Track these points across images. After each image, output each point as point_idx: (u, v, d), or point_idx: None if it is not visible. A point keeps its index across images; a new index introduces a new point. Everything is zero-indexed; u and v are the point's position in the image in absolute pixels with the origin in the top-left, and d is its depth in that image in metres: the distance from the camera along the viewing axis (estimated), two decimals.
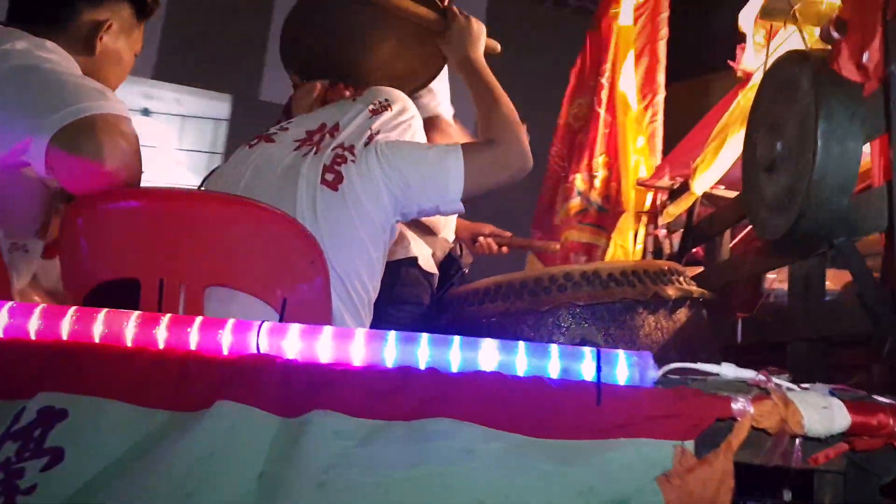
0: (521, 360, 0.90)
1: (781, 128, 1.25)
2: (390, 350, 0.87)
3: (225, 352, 0.90)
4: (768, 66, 1.41)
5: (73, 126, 0.96)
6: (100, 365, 0.90)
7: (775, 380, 0.92)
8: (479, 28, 1.54)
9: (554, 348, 0.91)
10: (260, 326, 0.89)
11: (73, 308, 0.88)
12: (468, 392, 0.88)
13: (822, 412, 0.88)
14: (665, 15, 2.89)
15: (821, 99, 1.14)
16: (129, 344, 0.90)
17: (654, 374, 0.91)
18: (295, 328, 0.89)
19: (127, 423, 0.86)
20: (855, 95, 1.15)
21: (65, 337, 0.87)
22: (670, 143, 2.90)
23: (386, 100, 1.44)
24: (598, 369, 0.90)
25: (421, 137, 1.47)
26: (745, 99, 1.83)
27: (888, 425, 0.89)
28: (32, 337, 0.88)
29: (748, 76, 1.93)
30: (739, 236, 2.27)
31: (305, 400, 0.87)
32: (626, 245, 2.60)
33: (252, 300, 1.07)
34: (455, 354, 0.89)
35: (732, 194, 2.15)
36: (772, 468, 0.92)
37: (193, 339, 0.89)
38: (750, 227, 2.08)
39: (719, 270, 1.89)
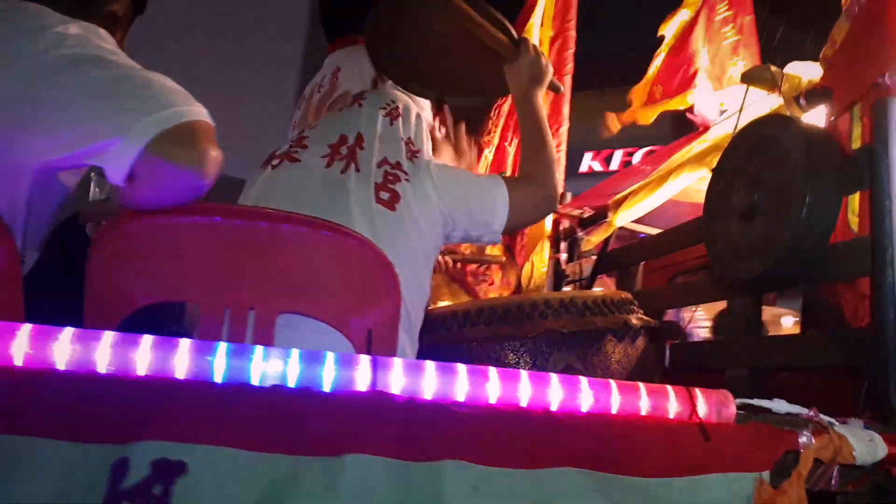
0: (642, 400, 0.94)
1: (762, 181, 1.42)
2: (525, 389, 0.88)
3: (329, 388, 0.86)
4: (741, 125, 1.59)
5: (173, 132, 0.85)
6: (212, 407, 0.83)
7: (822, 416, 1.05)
8: (547, 67, 1.57)
9: (642, 387, 0.97)
10: (375, 362, 0.86)
11: (187, 341, 0.80)
12: (586, 441, 0.91)
13: (868, 444, 1.02)
14: (571, 51, 3.07)
15: (812, 161, 1.31)
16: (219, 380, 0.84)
17: (732, 410, 1.00)
18: (400, 363, 0.87)
19: (248, 472, 0.80)
20: (837, 158, 1.33)
21: (180, 375, 0.79)
22: None
23: (392, 101, 1.44)
24: (695, 408, 0.97)
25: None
26: (700, 148, 2.02)
27: None
28: (142, 372, 0.78)
29: (705, 127, 2.13)
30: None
31: (435, 445, 0.85)
32: (540, 267, 2.73)
33: (324, 327, 1.01)
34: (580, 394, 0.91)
35: (646, 228, 2.36)
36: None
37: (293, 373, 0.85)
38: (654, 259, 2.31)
39: (654, 299, 2.06)
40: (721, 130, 2.01)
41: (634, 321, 1.64)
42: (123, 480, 0.76)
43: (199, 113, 0.88)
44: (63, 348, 0.80)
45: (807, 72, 1.54)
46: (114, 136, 0.84)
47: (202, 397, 0.81)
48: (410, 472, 0.83)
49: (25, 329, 0.79)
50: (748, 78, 1.61)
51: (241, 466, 0.79)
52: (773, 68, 1.56)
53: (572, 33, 3.10)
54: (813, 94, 1.44)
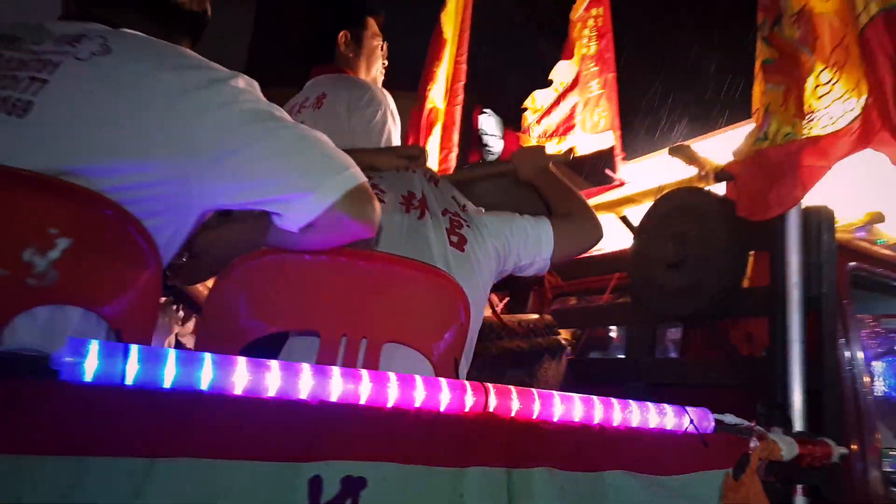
0: (653, 417, 1.24)
1: (688, 238, 1.80)
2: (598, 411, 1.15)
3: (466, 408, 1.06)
4: (663, 192, 1.98)
5: (353, 192, 1.00)
6: (371, 426, 1.00)
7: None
8: (538, 150, 1.99)
9: (667, 408, 1.27)
10: (490, 389, 1.08)
11: (337, 369, 0.96)
12: (629, 446, 1.20)
13: (789, 446, 1.41)
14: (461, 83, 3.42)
15: (730, 225, 1.71)
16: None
17: (712, 423, 1.34)
18: (513, 389, 1.09)
19: (419, 484, 0.99)
20: (744, 222, 1.73)
21: (334, 398, 0.94)
22: None
23: (432, 169, 1.70)
24: (694, 422, 1.29)
25: None
26: (611, 197, 2.40)
27: (814, 453, 1.46)
28: (303, 396, 0.93)
29: (621, 182, 2.51)
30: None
31: (530, 456, 1.09)
32: None
33: (413, 353, 1.20)
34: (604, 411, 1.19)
35: None
36: None
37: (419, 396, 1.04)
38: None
39: (566, 320, 2.39)
40: (635, 188, 2.41)
41: (563, 341, 1.97)
42: (321, 496, 0.91)
43: (363, 175, 1.04)
44: (241, 375, 0.92)
45: (718, 156, 1.96)
46: (304, 191, 0.98)
47: (373, 420, 0.98)
48: (514, 478, 1.07)
49: (209, 358, 0.90)
50: (674, 151, 2.00)
51: (412, 479, 0.98)
52: (692, 149, 1.96)
53: (463, 66, 3.44)
54: (722, 175, 1.85)
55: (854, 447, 1.74)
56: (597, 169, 2.75)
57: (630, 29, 3.59)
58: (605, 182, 2.76)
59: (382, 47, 2.26)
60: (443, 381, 1.02)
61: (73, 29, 1.03)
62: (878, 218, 2.09)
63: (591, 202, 2.49)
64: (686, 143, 2.21)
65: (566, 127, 3.40)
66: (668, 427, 1.26)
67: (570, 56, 3.57)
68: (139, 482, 0.78)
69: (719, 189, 1.91)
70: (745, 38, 1.98)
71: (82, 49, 0.98)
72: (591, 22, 3.54)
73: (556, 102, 3.49)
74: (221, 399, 0.88)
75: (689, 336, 2.34)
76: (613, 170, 2.93)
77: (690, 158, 1.94)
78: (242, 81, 1.04)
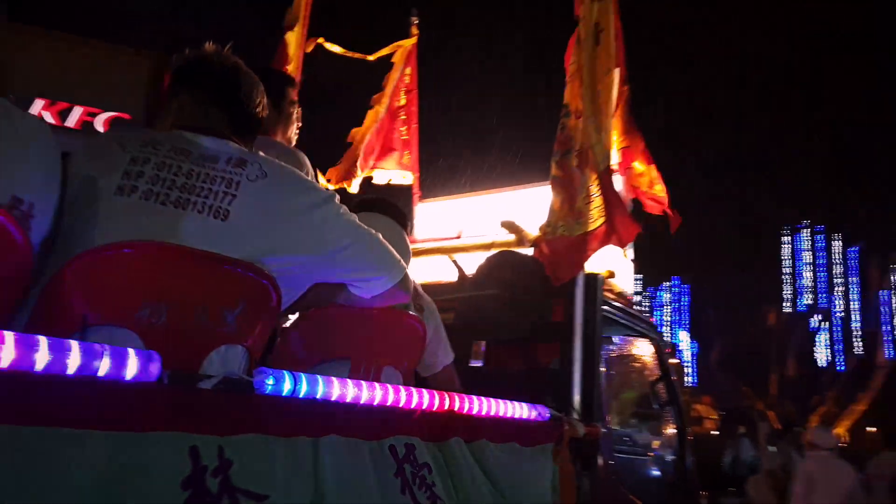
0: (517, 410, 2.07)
1: (514, 283, 2.66)
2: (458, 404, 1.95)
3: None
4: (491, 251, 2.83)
5: (406, 275, 1.68)
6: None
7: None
8: None
9: (525, 406, 2.11)
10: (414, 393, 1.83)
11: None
12: (502, 426, 2.01)
13: (580, 426, 2.33)
14: None
15: (542, 277, 2.61)
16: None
17: (547, 413, 2.20)
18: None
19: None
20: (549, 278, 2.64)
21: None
22: None
23: None
24: (540, 414, 2.15)
25: None
26: (447, 244, 3.19)
27: (591, 431, 2.41)
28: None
29: (459, 234, 3.28)
30: None
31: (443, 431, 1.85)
32: None
33: (393, 371, 1.87)
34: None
35: None
36: None
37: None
38: None
39: None
40: (470, 240, 3.18)
41: None
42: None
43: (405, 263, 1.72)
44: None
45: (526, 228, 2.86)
46: (380, 275, 1.64)
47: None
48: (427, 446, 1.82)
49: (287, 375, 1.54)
50: (505, 225, 2.84)
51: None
52: (517, 224, 2.83)
53: None
54: (533, 244, 2.74)
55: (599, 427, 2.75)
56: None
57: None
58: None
59: (297, 113, 2.76)
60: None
61: (228, 150, 1.56)
62: (612, 274, 3.15)
63: (433, 246, 3.28)
64: (482, 193, 3.10)
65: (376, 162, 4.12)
66: (526, 416, 2.09)
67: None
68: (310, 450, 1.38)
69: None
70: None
71: (249, 172, 1.53)
72: (406, 80, 4.33)
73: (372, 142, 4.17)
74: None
75: (491, 350, 3.20)
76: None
77: (515, 230, 2.82)
78: (337, 197, 1.65)
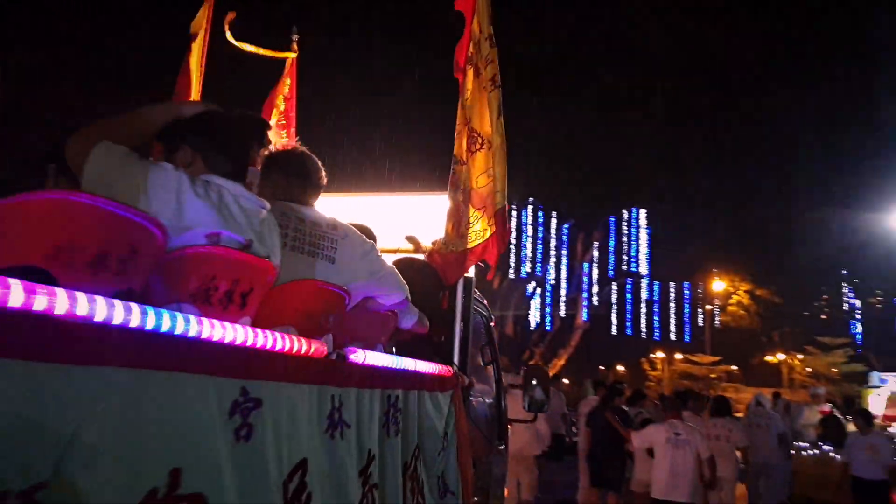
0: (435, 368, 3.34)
1: (416, 282, 3.84)
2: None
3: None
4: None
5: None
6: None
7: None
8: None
9: (440, 366, 3.38)
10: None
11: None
12: (425, 378, 3.28)
13: (465, 379, 3.61)
14: None
15: (436, 280, 3.83)
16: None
17: (451, 370, 3.46)
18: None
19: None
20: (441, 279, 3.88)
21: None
22: None
23: None
24: (450, 369, 3.42)
25: None
26: None
27: (469, 383, 3.70)
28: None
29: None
30: None
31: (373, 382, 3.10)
32: None
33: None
34: None
35: None
36: None
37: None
38: None
39: None
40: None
41: None
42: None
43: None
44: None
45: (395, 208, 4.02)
46: (402, 295, 2.77)
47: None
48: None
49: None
50: (408, 238, 3.96)
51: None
52: (417, 238, 3.98)
53: None
54: (430, 255, 3.94)
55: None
56: None
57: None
58: None
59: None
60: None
61: (323, 217, 2.61)
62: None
63: None
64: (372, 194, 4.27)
65: None
66: (438, 372, 3.33)
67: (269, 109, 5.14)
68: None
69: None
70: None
71: (339, 233, 2.61)
72: (285, 89, 5.21)
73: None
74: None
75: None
76: None
77: (415, 243, 4.00)
78: (375, 243, 2.75)
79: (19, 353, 1.25)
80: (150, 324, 1.53)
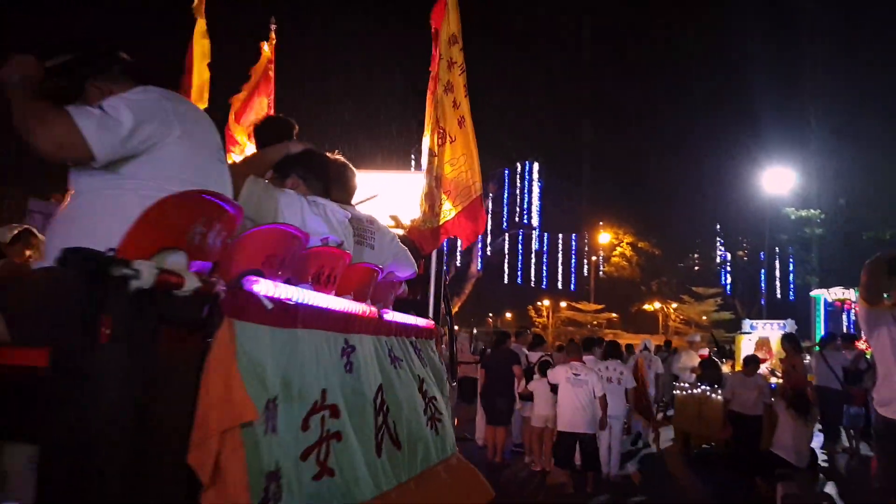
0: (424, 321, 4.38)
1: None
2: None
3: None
4: None
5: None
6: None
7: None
8: None
9: (427, 320, 4.42)
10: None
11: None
12: (413, 329, 4.32)
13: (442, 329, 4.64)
14: None
15: (413, 251, 4.82)
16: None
17: (431, 323, 4.49)
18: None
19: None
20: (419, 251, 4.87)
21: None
22: None
23: None
24: (432, 323, 4.46)
25: None
26: None
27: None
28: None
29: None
30: None
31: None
32: None
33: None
34: None
35: None
36: None
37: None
38: None
39: None
40: None
41: None
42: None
43: None
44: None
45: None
46: (411, 269, 3.76)
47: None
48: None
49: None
50: (392, 218, 4.87)
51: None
52: (398, 217, 4.91)
53: None
54: (409, 230, 4.88)
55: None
56: None
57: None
58: None
59: None
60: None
61: (364, 216, 3.56)
62: None
63: None
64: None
65: None
66: (427, 325, 4.35)
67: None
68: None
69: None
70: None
71: (374, 226, 3.58)
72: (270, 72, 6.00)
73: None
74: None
75: None
76: None
77: (396, 221, 4.94)
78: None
79: (263, 320, 2.19)
80: (318, 302, 2.49)
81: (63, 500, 1.57)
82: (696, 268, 43.30)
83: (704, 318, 39.92)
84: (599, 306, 41.03)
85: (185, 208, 2.10)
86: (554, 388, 8.90)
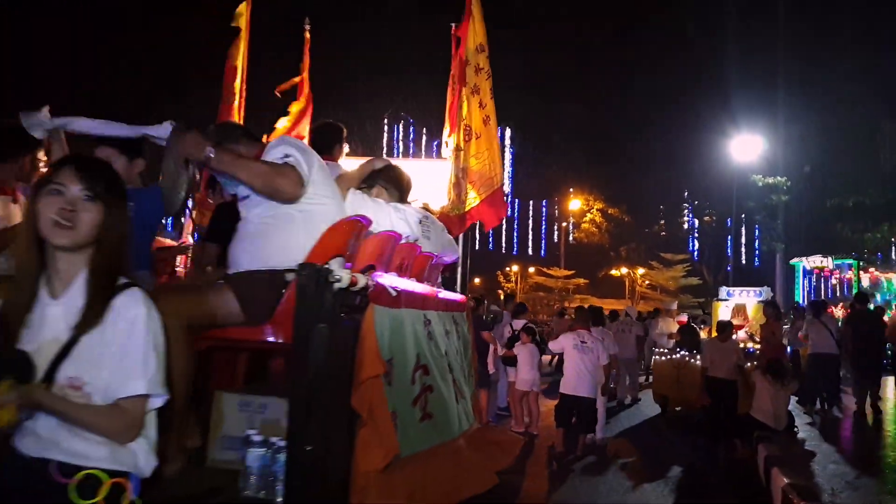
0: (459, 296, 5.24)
1: None
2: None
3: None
4: None
5: None
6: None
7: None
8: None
9: (458, 294, 5.28)
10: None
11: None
12: (452, 304, 5.19)
13: (471, 302, 5.49)
14: None
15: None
16: None
17: (464, 297, 5.34)
18: None
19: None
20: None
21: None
22: None
23: None
24: (463, 300, 5.33)
25: None
26: None
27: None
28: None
29: None
30: None
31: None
32: None
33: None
34: None
35: None
36: None
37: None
38: None
39: None
40: None
41: None
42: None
43: None
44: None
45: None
46: (455, 254, 4.59)
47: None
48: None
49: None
50: (423, 205, 5.68)
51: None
52: (428, 205, 5.72)
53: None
54: (440, 216, 5.70)
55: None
56: None
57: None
58: None
59: None
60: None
61: (422, 212, 4.38)
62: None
63: None
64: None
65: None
66: (462, 300, 5.20)
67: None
68: None
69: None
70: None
71: (429, 220, 4.40)
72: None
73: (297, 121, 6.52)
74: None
75: None
76: None
77: (427, 207, 5.74)
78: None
79: (387, 303, 3.04)
80: (410, 288, 3.35)
81: (309, 432, 2.41)
82: (663, 234, 44.68)
83: (669, 282, 41.36)
84: (570, 272, 42.22)
85: (349, 226, 2.92)
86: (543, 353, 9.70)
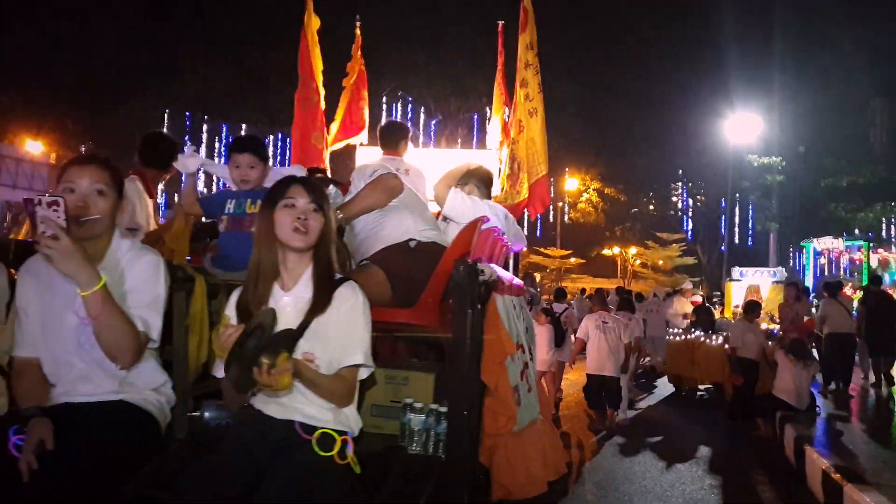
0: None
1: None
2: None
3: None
4: None
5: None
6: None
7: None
8: None
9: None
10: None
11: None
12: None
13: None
14: None
15: None
16: None
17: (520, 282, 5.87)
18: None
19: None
20: None
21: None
22: None
23: None
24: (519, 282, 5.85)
25: None
26: None
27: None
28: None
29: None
30: None
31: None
32: None
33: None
34: None
35: None
36: None
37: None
38: None
39: None
40: None
41: None
42: None
43: None
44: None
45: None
46: (525, 243, 5.10)
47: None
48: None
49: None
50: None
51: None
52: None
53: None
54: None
55: None
56: None
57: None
58: None
59: None
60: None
61: (497, 206, 4.89)
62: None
63: None
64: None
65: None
66: (520, 284, 5.71)
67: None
68: None
69: None
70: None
71: (506, 213, 4.89)
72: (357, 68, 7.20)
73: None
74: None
75: None
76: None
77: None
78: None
79: (501, 291, 3.55)
80: (507, 276, 3.87)
81: (464, 400, 2.94)
82: (654, 212, 45.22)
83: (661, 262, 42.00)
84: (566, 252, 42.74)
85: (477, 225, 3.46)
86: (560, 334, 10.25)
